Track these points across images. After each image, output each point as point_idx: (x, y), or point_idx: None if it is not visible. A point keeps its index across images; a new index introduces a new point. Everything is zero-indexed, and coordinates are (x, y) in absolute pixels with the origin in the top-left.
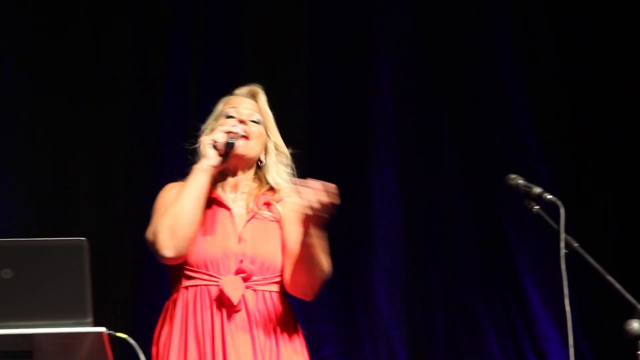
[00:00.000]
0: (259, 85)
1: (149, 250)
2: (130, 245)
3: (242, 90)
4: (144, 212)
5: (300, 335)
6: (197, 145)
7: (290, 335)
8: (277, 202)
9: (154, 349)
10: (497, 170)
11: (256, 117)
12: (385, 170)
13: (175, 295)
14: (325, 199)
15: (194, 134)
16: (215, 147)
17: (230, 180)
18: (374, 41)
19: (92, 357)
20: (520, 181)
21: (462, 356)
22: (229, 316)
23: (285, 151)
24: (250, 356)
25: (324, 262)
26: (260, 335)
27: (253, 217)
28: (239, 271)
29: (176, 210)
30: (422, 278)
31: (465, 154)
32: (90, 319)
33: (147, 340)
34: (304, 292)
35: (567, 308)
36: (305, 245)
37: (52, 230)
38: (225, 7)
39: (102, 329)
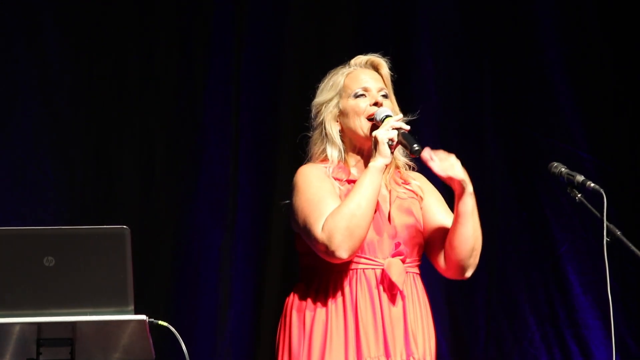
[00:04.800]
0: (378, 55)
1: (317, 248)
2: (171, 234)
3: (363, 60)
4: (186, 200)
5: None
6: (319, 119)
7: (429, 318)
8: (414, 179)
9: (292, 324)
10: (539, 158)
11: (385, 91)
12: None
13: (322, 278)
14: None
15: (306, 108)
16: (390, 146)
17: (368, 160)
18: (417, 29)
19: (133, 345)
20: (563, 169)
21: (503, 344)
22: (390, 299)
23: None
24: (403, 340)
25: (478, 224)
26: (410, 318)
27: (397, 197)
28: (396, 254)
29: (353, 210)
30: None
31: (508, 141)
32: (131, 307)
33: (187, 328)
34: (464, 265)
35: (609, 296)
36: (462, 205)
37: (94, 218)
38: None
39: (143, 317)
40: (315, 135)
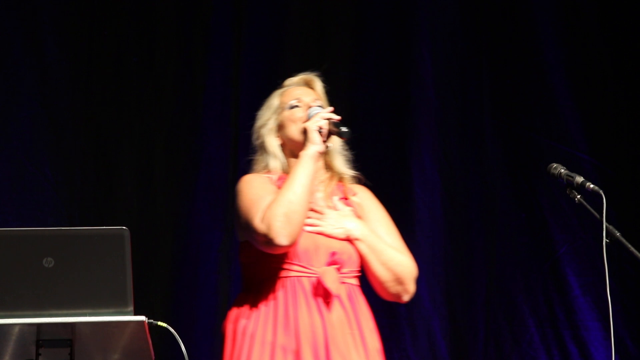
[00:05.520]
0: (312, 73)
1: (257, 240)
2: (170, 235)
3: (295, 80)
4: (185, 201)
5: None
6: (258, 139)
7: (372, 329)
8: (353, 195)
9: (228, 342)
10: (538, 159)
11: (319, 102)
12: (427, 159)
13: (259, 285)
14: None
15: (245, 133)
16: (320, 133)
17: None
18: (416, 30)
19: (132, 346)
20: (563, 170)
21: (502, 345)
22: (325, 306)
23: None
24: (352, 347)
25: (387, 256)
26: (354, 327)
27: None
28: (331, 263)
29: (289, 197)
30: (462, 267)
31: (507, 142)
32: (130, 308)
33: (186, 329)
34: (392, 292)
35: (609, 297)
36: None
37: (93, 219)
38: None
39: (143, 318)
40: (257, 155)
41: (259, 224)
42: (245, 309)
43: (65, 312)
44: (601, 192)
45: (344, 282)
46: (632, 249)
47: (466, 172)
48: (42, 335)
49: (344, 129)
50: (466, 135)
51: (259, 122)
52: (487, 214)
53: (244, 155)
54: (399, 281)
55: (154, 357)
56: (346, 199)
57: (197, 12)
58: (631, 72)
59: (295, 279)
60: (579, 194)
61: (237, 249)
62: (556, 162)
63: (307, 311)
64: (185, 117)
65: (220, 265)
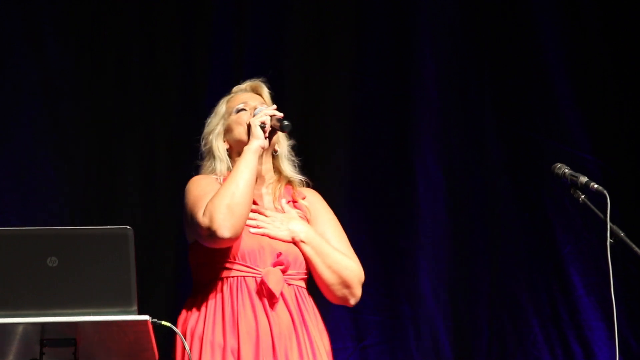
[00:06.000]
0: (259, 79)
1: (200, 234)
2: (173, 234)
3: (242, 86)
4: None
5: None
6: (206, 145)
7: (321, 330)
8: (302, 198)
9: (178, 346)
10: (541, 160)
11: (265, 107)
12: (429, 160)
13: (206, 286)
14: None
15: (196, 138)
16: (263, 128)
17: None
18: (418, 30)
19: (136, 345)
20: (567, 170)
21: (506, 345)
22: (270, 307)
23: (288, 142)
24: (295, 348)
25: (332, 259)
26: (300, 328)
27: (280, 213)
28: (276, 264)
29: (231, 189)
30: (466, 267)
31: (509, 142)
32: (134, 307)
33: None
34: (338, 295)
35: (613, 297)
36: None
37: (96, 219)
38: None
39: (147, 317)
40: (205, 161)
41: (201, 217)
42: (193, 312)
43: (69, 311)
44: (605, 192)
45: (290, 284)
46: (636, 249)
47: (468, 172)
48: (46, 335)
49: (285, 122)
50: (468, 135)
51: (207, 129)
52: (490, 213)
53: None
54: (345, 284)
55: (157, 357)
56: (295, 202)
57: (198, 12)
58: (633, 71)
59: (242, 279)
60: (583, 194)
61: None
62: (560, 163)
63: (251, 311)
64: (188, 117)
65: None
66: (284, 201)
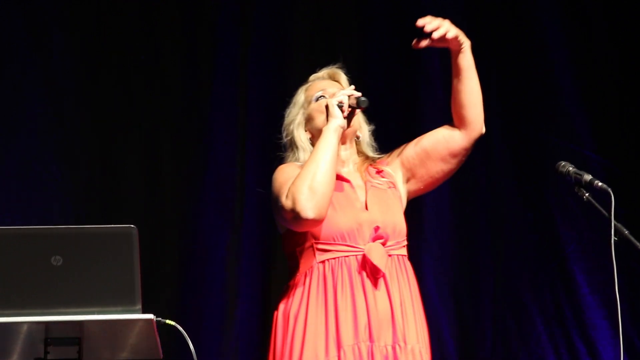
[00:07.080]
0: (335, 65)
1: (285, 217)
2: (178, 233)
3: (319, 74)
4: (192, 200)
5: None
6: (287, 136)
7: (418, 300)
8: (388, 165)
9: (277, 329)
10: (545, 158)
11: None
12: None
13: (307, 271)
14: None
15: (277, 136)
16: (341, 108)
17: (342, 154)
18: (423, 31)
19: (140, 344)
20: (571, 168)
21: (510, 344)
22: (373, 285)
23: (369, 127)
24: (389, 325)
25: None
26: (396, 302)
27: (371, 186)
28: (376, 238)
29: (312, 170)
30: (470, 266)
31: (514, 141)
32: (139, 306)
33: (194, 327)
34: (480, 117)
35: (617, 296)
36: (463, 59)
37: (101, 218)
38: None
39: (151, 316)
40: (287, 152)
41: (284, 201)
42: (295, 297)
43: (73, 310)
44: (609, 190)
45: (390, 255)
46: None
47: (473, 170)
48: (50, 334)
49: (362, 98)
50: None
51: (287, 120)
52: (495, 212)
53: (251, 153)
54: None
55: (162, 355)
56: (381, 172)
57: (203, 11)
58: (638, 70)
59: (342, 259)
60: (587, 192)
61: (250, 244)
62: (564, 161)
63: (350, 293)
64: (192, 116)
65: (228, 263)
66: (373, 170)
